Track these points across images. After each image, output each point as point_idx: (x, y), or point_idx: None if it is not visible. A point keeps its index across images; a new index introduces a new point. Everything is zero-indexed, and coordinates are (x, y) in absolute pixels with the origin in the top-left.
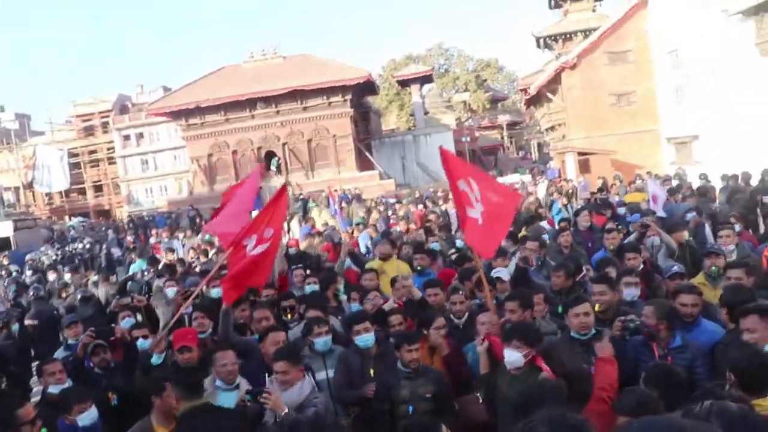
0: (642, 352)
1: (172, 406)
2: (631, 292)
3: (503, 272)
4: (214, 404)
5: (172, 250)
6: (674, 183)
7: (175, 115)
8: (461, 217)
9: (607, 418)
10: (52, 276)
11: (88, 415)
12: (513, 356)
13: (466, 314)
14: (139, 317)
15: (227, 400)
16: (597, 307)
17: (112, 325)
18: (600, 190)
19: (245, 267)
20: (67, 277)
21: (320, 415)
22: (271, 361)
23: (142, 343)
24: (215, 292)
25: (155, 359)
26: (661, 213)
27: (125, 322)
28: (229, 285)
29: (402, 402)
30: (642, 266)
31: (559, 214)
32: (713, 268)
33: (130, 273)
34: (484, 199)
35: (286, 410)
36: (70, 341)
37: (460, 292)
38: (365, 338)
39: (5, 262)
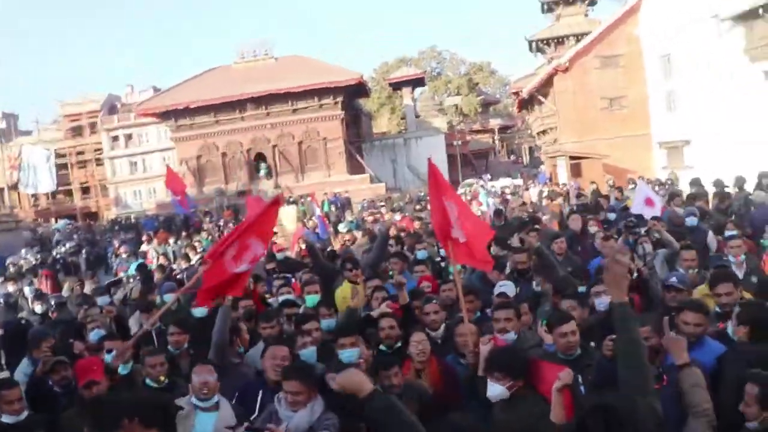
0: None
1: None
2: (603, 302)
3: (509, 287)
4: None
5: (165, 255)
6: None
7: (165, 115)
8: (443, 236)
9: None
10: (11, 287)
11: None
12: (495, 390)
13: (443, 326)
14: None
15: (205, 423)
16: None
17: (71, 340)
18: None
19: (221, 278)
20: (28, 290)
21: None
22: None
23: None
24: (199, 312)
25: (122, 369)
26: (655, 214)
27: (94, 334)
28: (204, 288)
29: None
30: (636, 274)
31: None
32: None
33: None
34: (461, 224)
35: None
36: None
37: (434, 302)
38: (350, 353)
39: None
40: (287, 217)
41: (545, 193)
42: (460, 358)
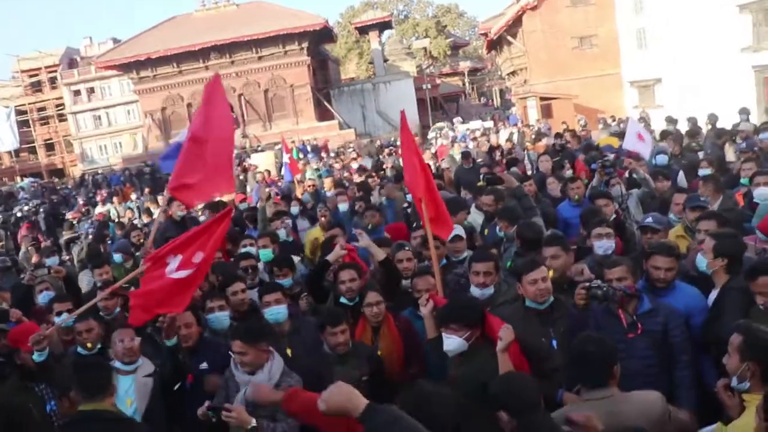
0: (607, 322)
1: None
2: (603, 245)
3: (459, 229)
4: (109, 410)
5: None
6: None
7: (126, 67)
8: (415, 190)
9: None
10: None
11: None
12: (453, 343)
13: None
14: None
15: (125, 383)
16: (550, 273)
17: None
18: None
19: (161, 288)
20: None
21: None
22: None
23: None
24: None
25: (37, 357)
26: (645, 154)
27: (43, 296)
28: (138, 302)
29: None
30: (614, 216)
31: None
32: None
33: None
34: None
35: (254, 422)
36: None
37: (406, 248)
38: (276, 311)
39: None
40: (264, 164)
41: (515, 135)
42: (418, 311)
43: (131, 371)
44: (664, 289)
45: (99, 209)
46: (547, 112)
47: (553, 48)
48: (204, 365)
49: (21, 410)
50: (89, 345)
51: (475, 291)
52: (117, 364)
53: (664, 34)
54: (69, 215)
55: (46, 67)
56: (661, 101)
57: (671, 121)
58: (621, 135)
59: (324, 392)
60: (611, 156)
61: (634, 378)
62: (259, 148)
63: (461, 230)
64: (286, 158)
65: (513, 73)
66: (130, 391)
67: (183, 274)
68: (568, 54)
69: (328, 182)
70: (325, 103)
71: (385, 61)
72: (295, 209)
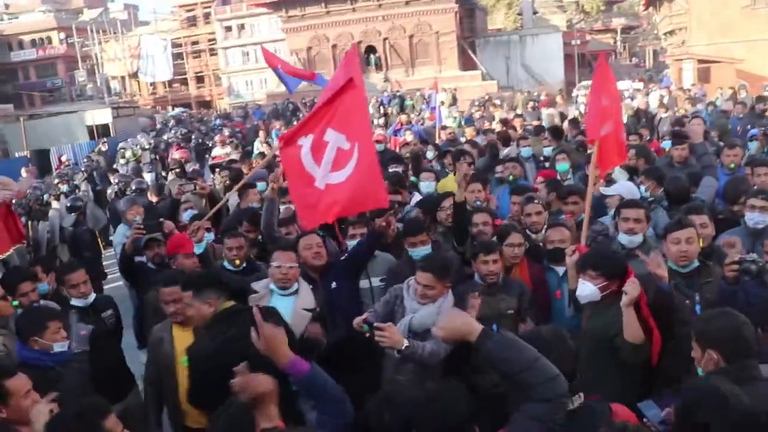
0: (760, 294)
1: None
2: (755, 218)
3: (626, 188)
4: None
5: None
6: None
7: (275, 5)
8: (592, 132)
9: None
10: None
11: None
12: (586, 289)
13: (545, 228)
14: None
15: (282, 306)
16: (700, 242)
17: (159, 220)
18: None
19: (309, 191)
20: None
21: None
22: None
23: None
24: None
25: (197, 249)
26: None
27: (187, 214)
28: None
29: (480, 320)
30: None
31: None
32: None
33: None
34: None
35: (406, 343)
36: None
37: (536, 201)
38: (421, 251)
39: (104, 148)
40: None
41: (666, 98)
42: (552, 264)
43: (287, 295)
44: None
45: (216, 151)
46: (704, 76)
47: (720, 6)
48: (334, 284)
49: None
50: (237, 262)
51: (623, 238)
52: (272, 285)
53: None
54: (176, 154)
55: (202, 3)
56: None
57: None
58: None
59: (440, 321)
60: None
61: None
62: (398, 93)
63: (628, 189)
64: (437, 101)
65: (671, 32)
66: (285, 314)
67: (341, 175)
68: (737, 13)
69: (469, 131)
70: (470, 53)
71: (535, 13)
72: (430, 154)
